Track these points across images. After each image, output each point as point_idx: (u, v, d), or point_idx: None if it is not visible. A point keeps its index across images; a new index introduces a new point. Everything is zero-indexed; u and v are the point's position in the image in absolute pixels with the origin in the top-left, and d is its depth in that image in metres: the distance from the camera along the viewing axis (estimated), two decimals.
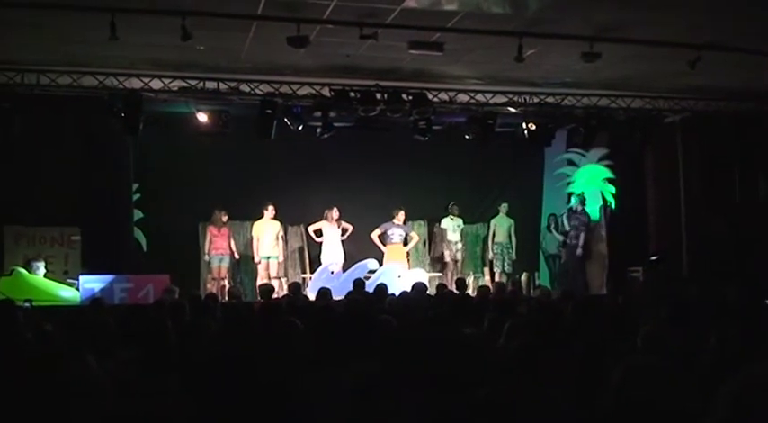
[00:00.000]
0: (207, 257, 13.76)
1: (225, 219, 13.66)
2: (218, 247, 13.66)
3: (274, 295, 12.25)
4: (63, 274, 12.79)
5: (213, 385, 4.42)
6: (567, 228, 14.72)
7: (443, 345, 4.79)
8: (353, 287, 10.97)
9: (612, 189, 15.15)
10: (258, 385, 4.29)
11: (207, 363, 4.99)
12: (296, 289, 11.04)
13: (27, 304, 10.17)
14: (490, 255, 15.09)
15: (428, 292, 10.96)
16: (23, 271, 11.98)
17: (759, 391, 2.16)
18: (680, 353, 4.90)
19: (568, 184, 15.61)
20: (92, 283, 11.92)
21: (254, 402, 4.16)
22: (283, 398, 4.19)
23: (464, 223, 15.05)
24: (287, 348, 4.82)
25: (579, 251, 14.47)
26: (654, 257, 13.93)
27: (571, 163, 15.60)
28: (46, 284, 12.06)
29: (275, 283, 13.59)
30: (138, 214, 13.78)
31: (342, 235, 14.15)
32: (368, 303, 8.69)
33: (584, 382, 4.48)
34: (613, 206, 15.05)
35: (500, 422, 3.70)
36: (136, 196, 13.71)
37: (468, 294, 11.16)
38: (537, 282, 15.37)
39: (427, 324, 6.51)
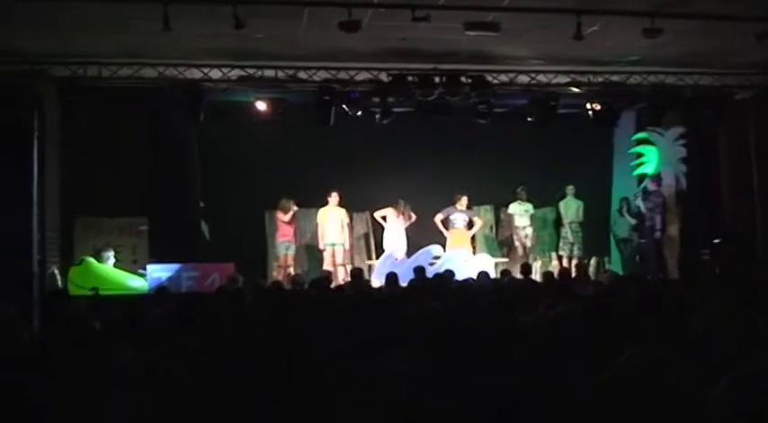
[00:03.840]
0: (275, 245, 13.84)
1: (294, 206, 13.69)
2: (284, 234, 13.73)
3: (338, 282, 12.32)
4: (132, 264, 13.03)
5: (259, 371, 4.40)
6: (643, 210, 14.29)
7: (490, 333, 4.67)
8: (414, 273, 10.89)
9: (685, 169, 14.67)
10: (300, 371, 4.27)
11: (254, 349, 4.98)
12: (358, 275, 11.00)
13: (92, 292, 10.39)
14: (561, 241, 14.81)
15: (492, 277, 10.81)
16: (92, 260, 12.22)
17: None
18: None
19: (640, 164, 15.14)
20: (159, 272, 12.13)
21: (295, 388, 4.13)
22: (323, 385, 4.15)
23: (534, 208, 14.79)
24: (326, 336, 4.78)
25: (658, 233, 14.01)
26: (717, 240, 13.43)
27: (648, 142, 15.09)
28: (114, 274, 12.30)
29: (341, 269, 13.63)
30: (201, 204, 13.91)
31: (405, 223, 14.05)
32: (418, 290, 8.57)
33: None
34: (685, 187, 14.57)
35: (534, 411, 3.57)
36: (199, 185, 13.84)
37: (531, 279, 10.94)
38: (607, 266, 15.02)
39: (480, 312, 6.38)
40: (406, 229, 14.04)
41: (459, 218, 14.12)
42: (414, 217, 14.03)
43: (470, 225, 14.32)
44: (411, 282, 10.41)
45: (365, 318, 5.61)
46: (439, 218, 14.14)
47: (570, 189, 14.73)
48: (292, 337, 5.11)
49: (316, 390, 4.15)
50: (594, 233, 15.09)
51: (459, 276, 10.57)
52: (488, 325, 5.17)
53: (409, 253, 13.76)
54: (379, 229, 14.50)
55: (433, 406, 3.72)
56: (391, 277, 10.51)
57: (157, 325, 5.99)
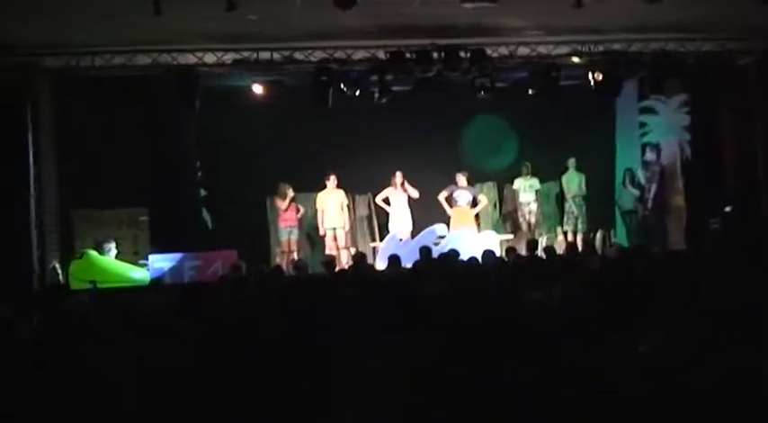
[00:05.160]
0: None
1: (290, 191, 13.54)
2: (285, 219, 13.59)
3: (342, 266, 12.20)
4: (133, 255, 12.89)
5: (263, 357, 4.30)
6: (643, 181, 14.16)
7: (498, 315, 4.54)
8: (420, 254, 10.72)
9: (689, 137, 14.46)
10: (303, 358, 4.17)
11: (257, 336, 4.87)
12: (361, 259, 10.84)
13: (91, 285, 10.27)
14: (565, 216, 14.66)
15: (498, 255, 10.66)
16: (94, 253, 12.07)
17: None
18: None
19: (644, 134, 14.96)
20: (161, 263, 12.01)
21: (298, 373, 4.03)
22: (328, 370, 4.05)
23: (540, 183, 14.63)
24: (330, 322, 4.66)
25: (650, 203, 13.90)
26: (728, 208, 13.26)
27: (651, 110, 14.89)
28: (116, 266, 12.14)
29: (344, 253, 13.49)
30: (201, 193, 13.76)
31: (408, 199, 13.88)
32: (423, 272, 8.41)
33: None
34: (690, 155, 14.37)
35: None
36: (198, 174, 13.70)
37: (536, 255, 10.78)
38: (613, 240, 14.86)
39: (486, 292, 6.24)
40: (412, 209, 13.86)
41: (462, 195, 13.93)
42: (417, 193, 13.82)
43: (474, 203, 14.15)
44: (416, 263, 10.26)
45: (371, 302, 5.48)
46: (443, 196, 13.95)
47: (572, 162, 14.53)
48: (297, 325, 5.00)
49: (321, 381, 4.04)
50: (599, 206, 14.90)
51: (464, 255, 10.40)
52: (497, 306, 5.05)
53: (414, 233, 13.61)
54: (381, 212, 14.33)
55: (440, 396, 3.61)
56: (393, 259, 10.37)
57: (157, 316, 5.88)
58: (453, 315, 4.95)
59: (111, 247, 12.35)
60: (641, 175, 14.21)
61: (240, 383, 4.11)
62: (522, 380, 3.51)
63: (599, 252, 12.58)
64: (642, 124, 14.89)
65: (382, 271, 10.63)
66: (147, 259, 12.22)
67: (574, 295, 5.02)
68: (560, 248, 12.48)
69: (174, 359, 4.35)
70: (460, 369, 3.72)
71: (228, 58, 11.90)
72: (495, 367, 3.72)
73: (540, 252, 11.21)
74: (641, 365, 3.37)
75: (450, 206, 13.91)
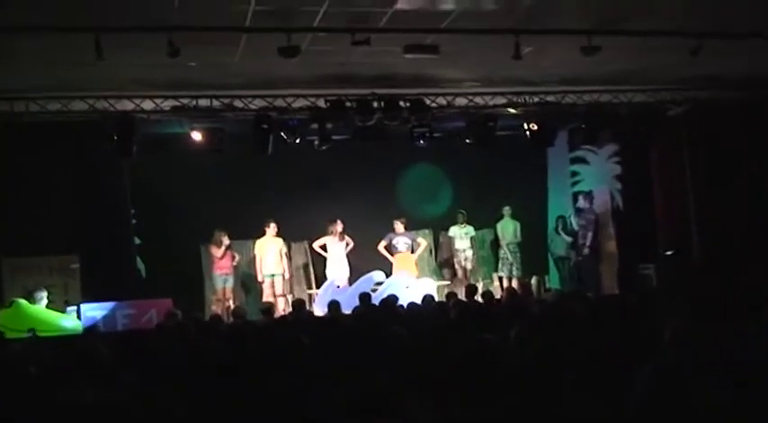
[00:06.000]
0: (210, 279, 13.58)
1: (225, 239, 13.43)
2: (221, 267, 13.47)
3: (279, 313, 12.10)
4: (64, 304, 12.54)
5: (220, 403, 4.23)
6: (576, 227, 14.48)
7: (460, 353, 4.56)
8: (359, 301, 10.71)
9: (620, 186, 14.86)
10: (266, 400, 4.11)
11: (213, 381, 4.79)
12: (299, 305, 10.79)
13: (29, 334, 9.97)
14: (500, 262, 14.85)
15: (437, 301, 10.71)
16: (23, 302, 11.71)
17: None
18: (708, 349, 4.67)
19: (575, 183, 15.35)
20: (94, 311, 11.78)
21: (261, 416, 3.97)
22: (290, 411, 4.00)
23: (475, 230, 14.80)
24: (293, 363, 4.60)
25: (587, 250, 14.21)
26: (669, 252, 13.63)
27: (583, 161, 15.30)
28: (47, 315, 11.79)
29: (281, 300, 13.43)
30: (135, 240, 13.52)
31: (346, 248, 13.92)
32: (376, 315, 8.44)
33: (607, 383, 4.25)
34: (621, 203, 14.76)
35: None
36: (132, 222, 13.47)
37: (476, 301, 10.88)
38: (547, 285, 15.11)
39: (439, 332, 6.27)
40: (348, 257, 13.90)
41: (401, 241, 14.07)
42: (351, 243, 13.90)
43: (413, 248, 14.25)
44: (356, 309, 10.26)
45: (326, 346, 5.45)
46: (382, 245, 14.08)
47: (507, 210, 14.82)
48: (253, 371, 4.94)
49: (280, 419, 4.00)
50: (532, 252, 15.20)
51: (402, 301, 10.45)
52: (453, 347, 5.08)
53: (352, 280, 13.61)
54: (318, 259, 14.33)
55: None
56: (333, 305, 10.37)
57: (98, 364, 5.72)
58: (410, 355, 4.97)
59: (43, 296, 12.00)
60: (574, 222, 14.56)
61: None
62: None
63: (535, 296, 12.78)
64: (574, 173, 15.31)
65: (323, 317, 10.61)
66: (76, 307, 11.91)
67: (529, 337, 5.09)
68: (497, 294, 12.60)
69: (116, 408, 4.24)
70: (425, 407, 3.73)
71: (167, 104, 11.78)
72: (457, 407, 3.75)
73: (478, 297, 11.31)
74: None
75: (391, 254, 14.00)
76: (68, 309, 12.11)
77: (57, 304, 12.33)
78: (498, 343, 5.05)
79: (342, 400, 3.74)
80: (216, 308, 13.22)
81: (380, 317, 8.44)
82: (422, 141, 12.98)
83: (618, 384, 3.88)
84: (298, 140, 12.63)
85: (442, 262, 15.50)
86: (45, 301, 11.99)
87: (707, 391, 3.09)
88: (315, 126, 12.48)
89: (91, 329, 10.10)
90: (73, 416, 4.02)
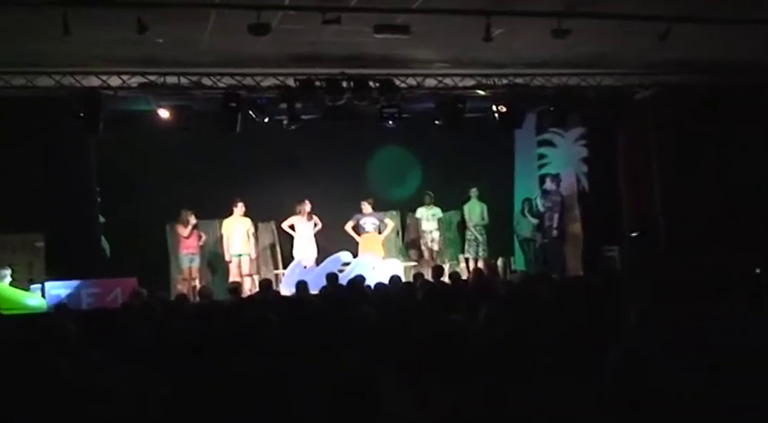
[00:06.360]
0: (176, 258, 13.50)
1: (192, 218, 13.35)
2: (187, 246, 13.41)
3: (246, 293, 12.09)
4: (28, 282, 12.41)
5: (188, 382, 4.22)
6: (542, 209, 14.58)
7: (430, 333, 4.59)
8: (327, 281, 10.75)
9: (586, 169, 14.97)
10: (234, 379, 4.11)
11: (181, 360, 4.78)
12: (266, 285, 10.79)
13: None
14: (466, 243, 14.91)
15: (404, 281, 10.76)
16: None
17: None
18: (673, 332, 4.74)
19: (542, 165, 15.44)
20: (58, 290, 11.64)
21: (230, 396, 3.97)
22: (259, 390, 4.00)
23: (442, 212, 14.85)
24: (260, 343, 4.60)
25: (554, 232, 14.32)
26: (635, 234, 13.77)
27: (550, 143, 15.39)
28: (11, 293, 11.69)
29: (248, 280, 13.40)
30: (100, 219, 13.37)
31: (313, 229, 13.90)
32: (344, 295, 8.46)
33: (575, 364, 4.31)
34: (587, 186, 14.87)
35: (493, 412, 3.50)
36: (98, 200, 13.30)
37: (443, 281, 10.94)
38: (513, 267, 15.21)
39: (407, 313, 6.30)
40: (316, 237, 13.88)
41: (368, 222, 14.10)
42: (319, 223, 13.88)
43: (380, 229, 14.27)
44: (323, 289, 10.28)
45: (294, 325, 5.45)
46: (350, 225, 14.09)
47: (474, 191, 14.86)
48: (220, 351, 4.93)
49: (248, 398, 4.00)
50: (498, 234, 15.27)
51: (370, 281, 10.49)
52: (421, 327, 5.11)
53: (319, 260, 13.61)
54: (286, 239, 14.29)
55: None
56: (301, 285, 10.39)
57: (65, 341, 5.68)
58: (378, 335, 4.99)
59: (6, 274, 11.89)
60: (540, 204, 14.66)
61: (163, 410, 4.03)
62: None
63: (501, 278, 12.88)
64: (541, 156, 15.39)
65: (290, 296, 10.64)
66: (40, 285, 11.80)
67: (497, 317, 5.14)
68: (464, 275, 12.66)
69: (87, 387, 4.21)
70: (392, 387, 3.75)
71: (134, 81, 11.64)
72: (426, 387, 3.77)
73: (445, 278, 11.38)
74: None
75: (358, 234, 14.02)
76: (32, 287, 12.01)
77: (20, 283, 12.21)
78: (466, 323, 5.12)
79: (321, 382, 3.76)
80: (182, 287, 13.16)
81: (348, 297, 8.45)
82: (391, 122, 12.95)
83: (585, 365, 3.93)
84: (266, 119, 12.54)
85: (409, 243, 15.53)
86: (8, 279, 11.88)
87: (677, 375, 3.14)
88: (284, 105, 12.42)
89: (59, 306, 9.98)
90: (56, 396, 4.00)
